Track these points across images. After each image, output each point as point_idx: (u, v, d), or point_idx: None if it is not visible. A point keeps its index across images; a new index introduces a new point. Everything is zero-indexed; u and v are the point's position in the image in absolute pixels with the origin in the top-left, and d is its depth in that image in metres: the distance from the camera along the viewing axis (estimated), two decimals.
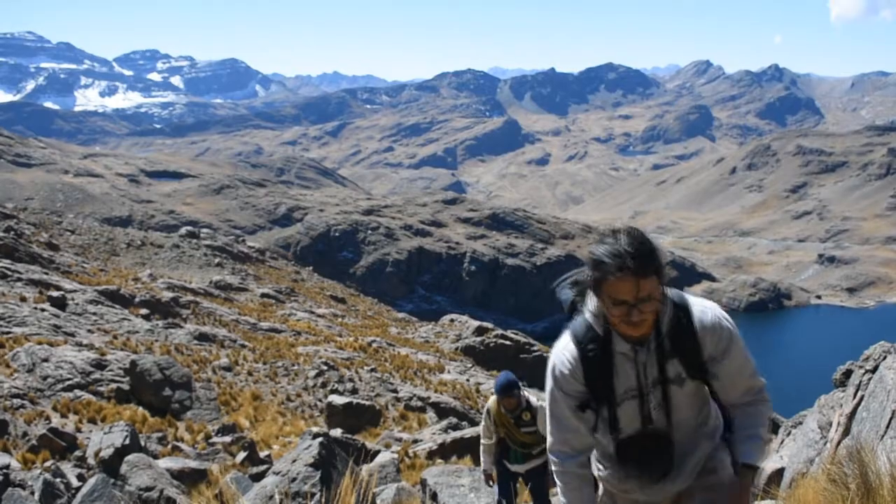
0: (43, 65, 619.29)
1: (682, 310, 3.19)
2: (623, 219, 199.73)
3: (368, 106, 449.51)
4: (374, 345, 31.70)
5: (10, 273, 27.55)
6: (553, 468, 3.41)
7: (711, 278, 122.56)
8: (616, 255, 2.93)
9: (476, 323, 39.75)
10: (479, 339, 36.85)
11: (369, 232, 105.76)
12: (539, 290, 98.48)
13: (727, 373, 3.24)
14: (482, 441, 7.53)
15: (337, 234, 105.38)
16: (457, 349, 36.20)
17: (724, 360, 3.21)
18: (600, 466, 3.55)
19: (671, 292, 3.19)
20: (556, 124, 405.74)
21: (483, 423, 7.51)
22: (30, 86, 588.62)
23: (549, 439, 3.41)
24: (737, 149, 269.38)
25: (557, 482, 3.39)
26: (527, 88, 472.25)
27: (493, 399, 7.40)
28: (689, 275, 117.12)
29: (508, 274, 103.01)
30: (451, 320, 44.44)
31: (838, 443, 6.89)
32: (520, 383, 7.27)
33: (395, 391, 23.12)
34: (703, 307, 3.22)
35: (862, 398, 7.11)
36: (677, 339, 3.18)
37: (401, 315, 57.04)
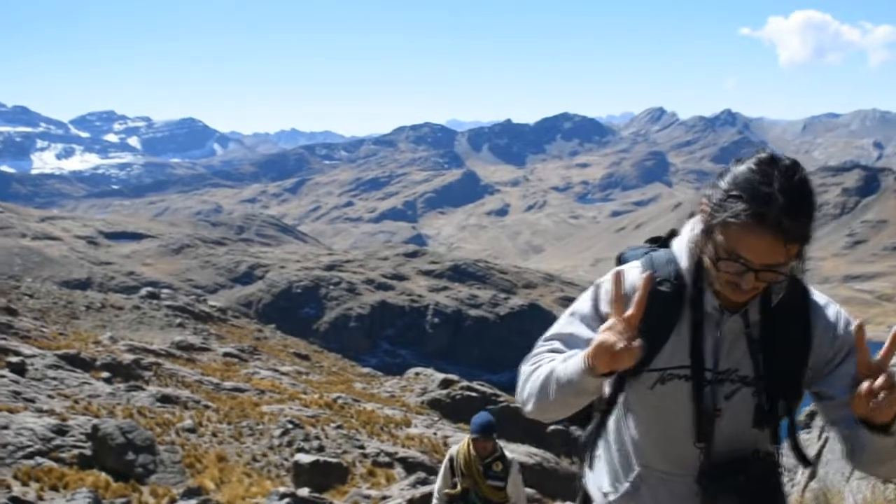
0: None
1: (800, 287, 2.31)
2: (584, 266, 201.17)
3: (327, 162, 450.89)
4: (340, 401, 31.48)
5: None
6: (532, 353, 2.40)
7: None
8: (766, 200, 2.02)
9: (441, 375, 39.62)
10: (444, 391, 36.72)
11: (331, 287, 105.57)
12: (503, 340, 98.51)
13: (841, 385, 2.17)
14: (439, 491, 6.67)
15: (299, 290, 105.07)
16: (423, 403, 36.02)
17: (838, 369, 2.24)
18: (609, 487, 2.51)
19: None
20: (515, 175, 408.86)
21: (441, 471, 6.68)
22: None
23: (549, 331, 2.45)
24: (693, 193, 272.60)
25: (526, 366, 2.38)
26: (484, 140, 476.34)
27: (459, 445, 6.73)
28: None
29: (472, 325, 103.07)
30: (416, 374, 44.24)
31: (805, 486, 6.92)
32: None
33: (361, 447, 22.94)
34: (826, 297, 2.37)
35: (827, 440, 7.15)
36: (781, 320, 2.28)
37: (365, 370, 56.74)
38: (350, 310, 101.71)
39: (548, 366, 2.30)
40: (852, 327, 2.20)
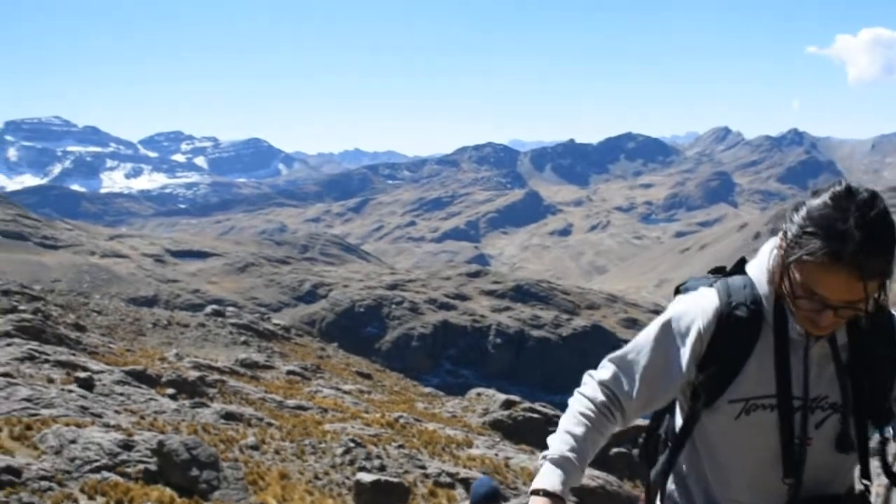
0: (69, 148, 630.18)
1: (883, 307, 2.18)
2: (648, 287, 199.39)
3: (390, 181, 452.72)
4: (401, 420, 31.45)
5: (37, 355, 27.64)
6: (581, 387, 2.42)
7: None
8: (842, 237, 1.93)
9: (503, 396, 39.40)
10: (506, 412, 36.51)
11: (393, 306, 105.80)
12: (566, 362, 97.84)
13: None
14: None
15: (361, 309, 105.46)
16: (484, 423, 35.86)
17: None
18: None
19: None
20: (578, 195, 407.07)
21: None
22: (57, 169, 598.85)
23: (617, 352, 2.42)
24: (759, 214, 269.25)
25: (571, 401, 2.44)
26: (547, 160, 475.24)
27: None
28: None
29: (534, 346, 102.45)
30: (478, 394, 44.04)
31: None
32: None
33: (423, 467, 22.89)
34: None
35: None
36: (870, 341, 2.19)
37: (427, 390, 56.71)
38: (412, 329, 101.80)
39: (566, 422, 2.35)
40: None
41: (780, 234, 2.13)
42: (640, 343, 2.34)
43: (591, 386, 2.41)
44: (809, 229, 2.00)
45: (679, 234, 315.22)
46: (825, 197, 2.03)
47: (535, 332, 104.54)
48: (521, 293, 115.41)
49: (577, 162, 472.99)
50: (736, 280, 2.27)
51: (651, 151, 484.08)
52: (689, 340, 2.23)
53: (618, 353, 2.40)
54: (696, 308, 2.25)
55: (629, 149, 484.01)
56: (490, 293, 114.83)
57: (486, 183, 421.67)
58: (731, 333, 2.18)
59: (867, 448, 2.21)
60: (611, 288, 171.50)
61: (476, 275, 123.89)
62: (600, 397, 2.36)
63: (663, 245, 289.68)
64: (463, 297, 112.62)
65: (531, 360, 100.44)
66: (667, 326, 2.29)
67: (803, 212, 2.05)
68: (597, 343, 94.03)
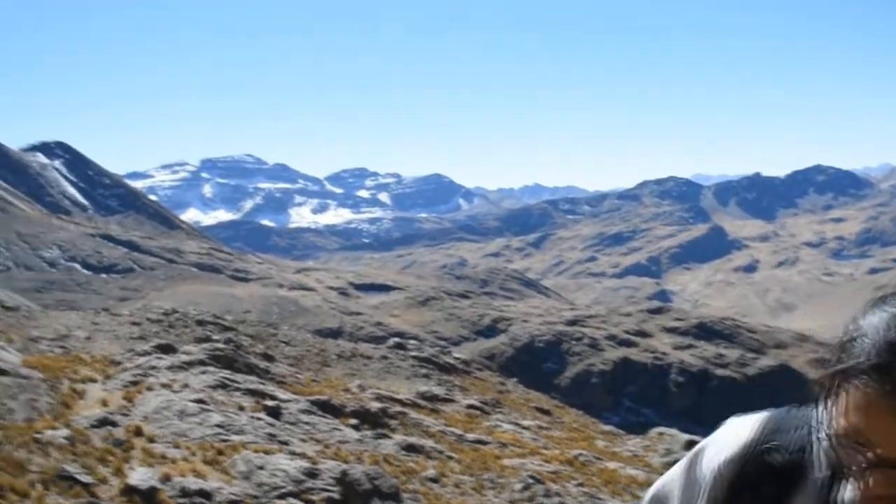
0: (260, 185, 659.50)
1: None
2: (840, 326, 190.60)
3: (570, 216, 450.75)
4: (581, 458, 31.01)
5: (229, 383, 28.68)
6: None
7: None
8: None
9: (686, 437, 38.36)
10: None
11: (573, 342, 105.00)
12: (752, 403, 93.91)
13: None
14: None
15: (541, 344, 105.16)
16: (666, 464, 34.96)
17: None
18: None
19: None
20: (764, 229, 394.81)
21: None
22: (248, 205, 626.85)
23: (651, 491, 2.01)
24: None
25: None
26: (731, 194, 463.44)
27: None
28: None
29: (718, 385, 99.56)
30: (660, 433, 42.99)
31: None
32: None
33: None
34: None
35: None
36: None
37: (607, 427, 55.71)
38: (592, 365, 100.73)
39: None
40: None
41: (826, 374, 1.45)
42: (670, 475, 1.97)
43: None
44: (853, 350, 1.38)
45: (873, 271, 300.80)
46: (891, 305, 1.45)
47: (719, 371, 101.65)
48: (705, 331, 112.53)
49: (763, 196, 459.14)
50: (792, 415, 1.69)
51: (842, 184, 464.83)
52: (707, 483, 1.73)
53: (652, 488, 2.01)
54: (722, 442, 1.76)
55: (818, 182, 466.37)
56: (672, 330, 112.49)
57: (668, 218, 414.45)
58: (757, 484, 1.62)
59: None
60: (799, 326, 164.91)
61: (657, 311, 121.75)
62: None
63: (856, 282, 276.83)
64: (644, 334, 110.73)
65: (715, 400, 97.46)
66: (694, 459, 1.85)
67: (855, 322, 1.46)
68: (785, 383, 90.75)
